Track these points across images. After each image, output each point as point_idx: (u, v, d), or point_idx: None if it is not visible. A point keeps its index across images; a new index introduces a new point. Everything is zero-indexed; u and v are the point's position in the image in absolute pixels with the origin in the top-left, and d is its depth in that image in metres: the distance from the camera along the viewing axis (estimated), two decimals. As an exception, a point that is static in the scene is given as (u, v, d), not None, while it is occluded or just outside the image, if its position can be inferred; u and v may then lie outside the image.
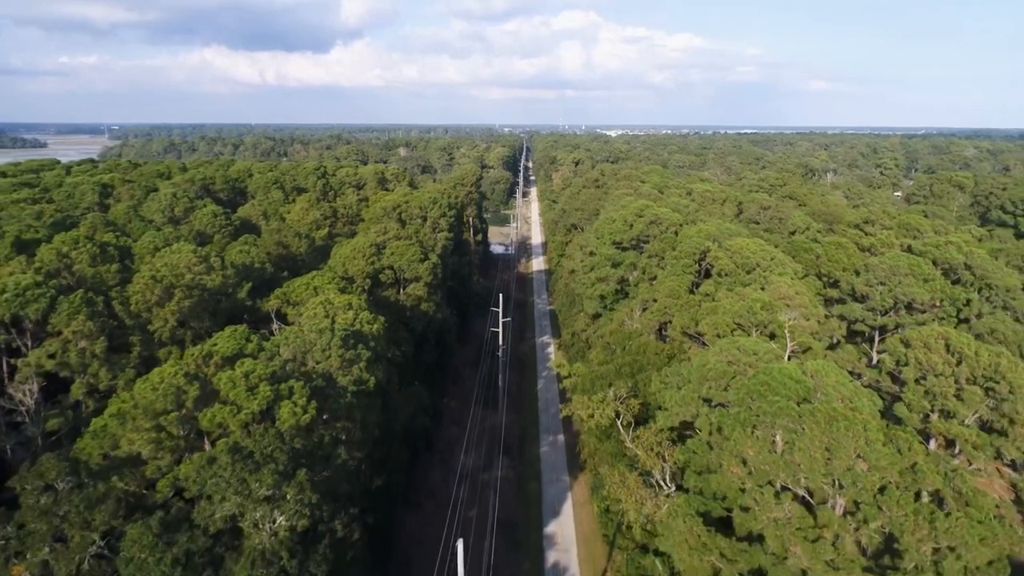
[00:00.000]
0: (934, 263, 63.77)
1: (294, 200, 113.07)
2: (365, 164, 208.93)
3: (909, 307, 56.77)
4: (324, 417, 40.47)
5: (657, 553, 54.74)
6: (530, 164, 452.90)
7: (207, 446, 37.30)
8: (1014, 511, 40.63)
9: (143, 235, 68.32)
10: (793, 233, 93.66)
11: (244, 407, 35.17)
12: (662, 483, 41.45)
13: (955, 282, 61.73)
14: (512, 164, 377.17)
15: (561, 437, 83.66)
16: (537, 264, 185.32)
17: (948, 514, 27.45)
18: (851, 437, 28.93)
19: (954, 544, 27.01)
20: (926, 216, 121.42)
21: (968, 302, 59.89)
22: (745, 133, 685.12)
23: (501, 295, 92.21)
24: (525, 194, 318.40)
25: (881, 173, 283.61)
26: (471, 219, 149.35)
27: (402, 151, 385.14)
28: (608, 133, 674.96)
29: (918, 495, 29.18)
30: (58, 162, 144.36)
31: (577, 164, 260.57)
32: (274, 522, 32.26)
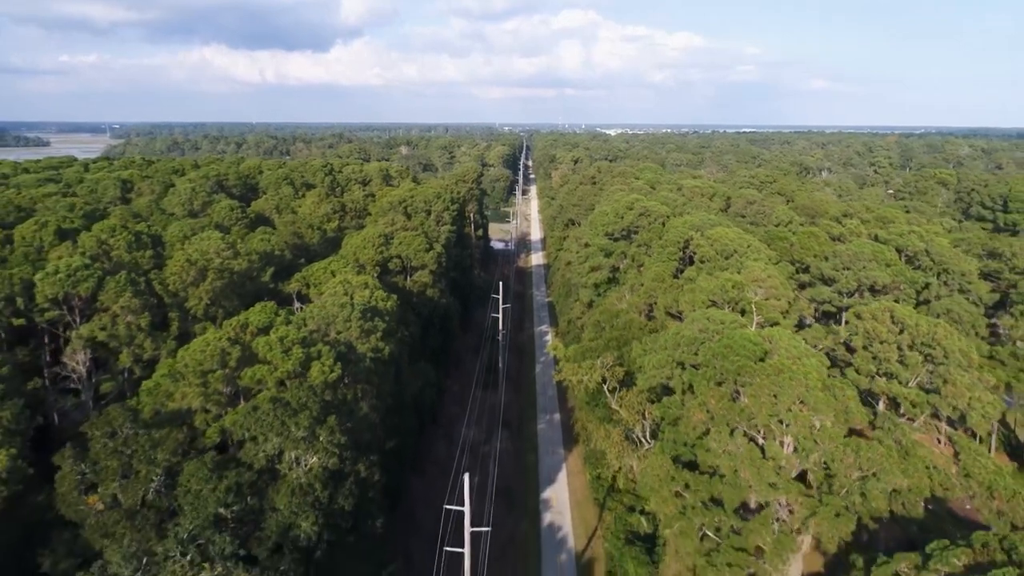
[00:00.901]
0: (898, 251, 69.50)
1: (304, 195, 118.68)
2: (367, 162, 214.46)
3: (872, 289, 62.45)
4: (346, 380, 46.16)
5: (643, 512, 60.61)
6: (530, 163, 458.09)
7: (242, 404, 42.96)
8: (951, 462, 46.25)
9: (171, 225, 74.01)
10: (777, 226, 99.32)
11: (280, 366, 40.89)
12: (642, 439, 47.11)
13: (916, 267, 67.45)
14: (512, 162, 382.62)
15: (557, 416, 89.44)
16: (536, 259, 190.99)
17: (871, 446, 33.14)
18: (794, 385, 34.64)
19: (875, 470, 32.70)
20: (907, 211, 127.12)
21: (927, 285, 65.61)
22: (744, 132, 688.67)
23: (501, 283, 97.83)
24: (525, 192, 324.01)
25: (875, 171, 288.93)
26: (472, 214, 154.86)
27: (404, 150, 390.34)
28: (608, 132, 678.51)
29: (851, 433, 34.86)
30: (75, 159, 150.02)
31: (576, 162, 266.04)
32: (308, 463, 37.99)
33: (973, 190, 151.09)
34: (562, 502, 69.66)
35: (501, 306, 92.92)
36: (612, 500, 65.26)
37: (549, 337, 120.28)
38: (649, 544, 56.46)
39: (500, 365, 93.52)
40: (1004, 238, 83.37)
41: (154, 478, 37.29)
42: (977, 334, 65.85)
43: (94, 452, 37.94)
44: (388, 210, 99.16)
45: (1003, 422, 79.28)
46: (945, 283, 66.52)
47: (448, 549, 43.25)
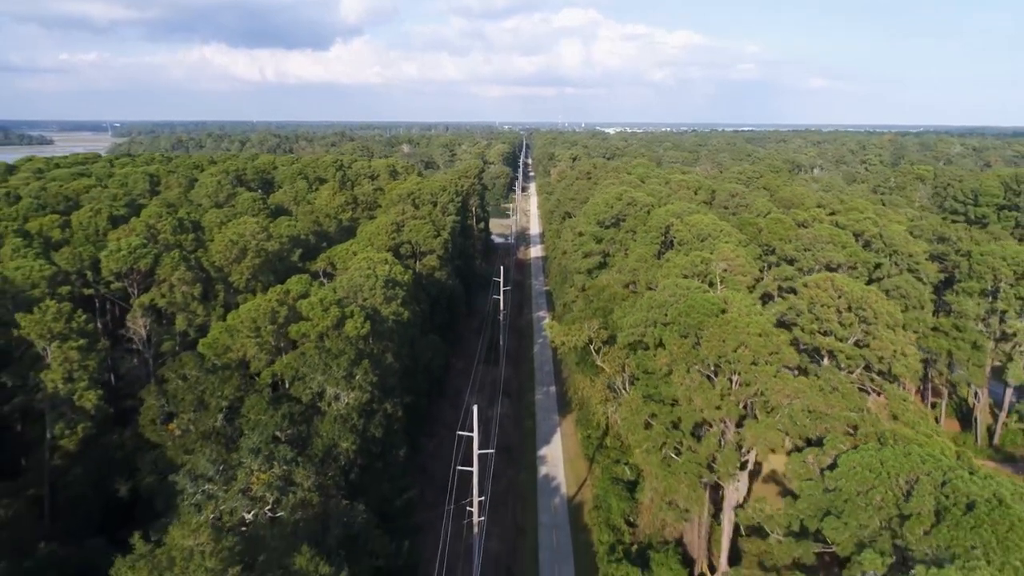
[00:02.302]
0: (855, 235, 78.08)
1: (317, 189, 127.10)
2: (371, 159, 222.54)
3: (828, 268, 70.85)
4: (370, 340, 54.67)
5: (626, 464, 69.20)
6: (529, 161, 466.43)
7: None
8: (883, 407, 54.71)
9: (206, 213, 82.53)
10: (758, 216, 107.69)
11: (320, 322, 49.44)
12: (622, 389, 55.69)
13: (870, 250, 76.02)
14: (512, 160, 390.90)
15: (553, 388, 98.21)
16: (535, 252, 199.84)
17: (797, 378, 41.72)
18: (737, 332, 43.21)
19: (799, 395, 41.28)
20: (883, 204, 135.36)
21: (878, 265, 74.18)
22: (743, 131, 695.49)
23: (502, 267, 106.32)
24: (524, 189, 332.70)
25: (866, 169, 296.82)
26: (474, 208, 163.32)
27: (405, 148, 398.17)
28: (607, 131, 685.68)
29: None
30: (100, 156, 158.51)
31: (574, 160, 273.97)
32: (346, 398, 46.52)
33: (949, 185, 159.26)
34: (556, 458, 78.38)
35: (502, 288, 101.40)
36: (600, 455, 74.00)
37: (546, 321, 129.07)
38: (630, 486, 65.21)
39: (501, 343, 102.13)
40: (953, 224, 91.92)
41: (221, 409, 45.84)
42: (923, 308, 74.36)
43: (172, 389, 46.51)
44: (397, 201, 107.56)
45: (956, 393, 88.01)
46: (895, 263, 75.02)
47: (461, 468, 51.88)
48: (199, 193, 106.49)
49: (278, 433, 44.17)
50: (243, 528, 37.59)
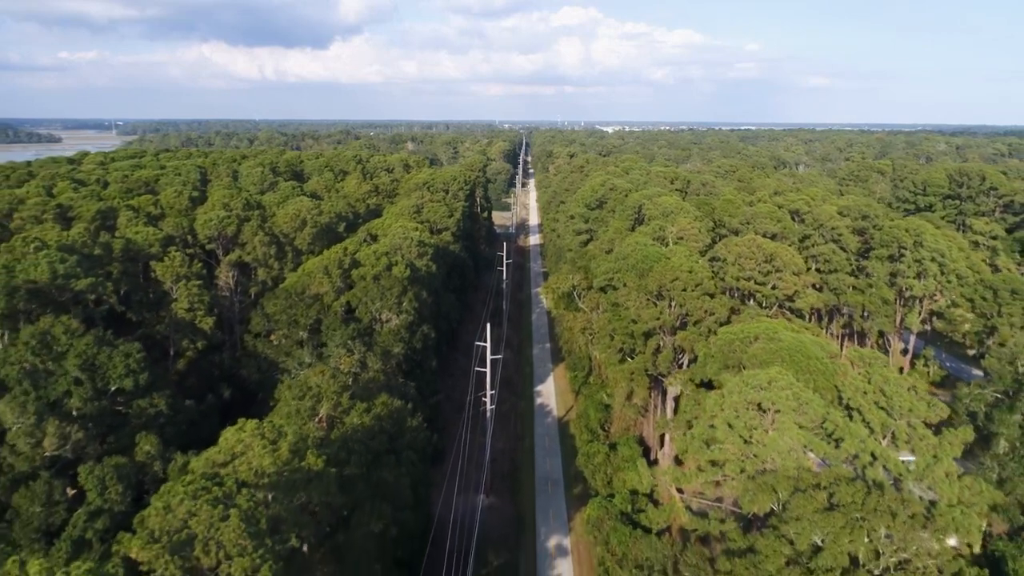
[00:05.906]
0: (792, 213, 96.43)
1: (343, 180, 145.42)
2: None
3: (766, 236, 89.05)
4: (410, 282, 72.94)
5: (605, 393, 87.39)
6: (529, 158, 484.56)
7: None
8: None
9: (264, 195, 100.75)
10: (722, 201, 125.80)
11: (374, 267, 67.75)
12: (596, 321, 73.98)
13: (802, 223, 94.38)
14: (512, 157, 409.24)
15: (548, 345, 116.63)
16: (534, 240, 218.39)
17: (711, 300, 60.11)
18: (673, 269, 61.55)
19: (713, 312, 59.62)
20: (842, 195, 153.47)
21: (807, 236, 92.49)
22: (740, 129, 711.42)
23: (505, 243, 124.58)
24: (524, 184, 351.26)
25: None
26: (479, 198, 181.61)
27: (410, 145, 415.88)
28: (606, 130, 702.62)
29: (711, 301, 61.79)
30: (145, 152, 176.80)
31: (572, 157, 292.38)
32: (396, 320, 64.81)
33: (905, 178, 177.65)
34: (549, 392, 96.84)
35: (504, 261, 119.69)
36: (584, 388, 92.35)
37: (541, 288, 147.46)
38: (606, 407, 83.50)
39: (504, 307, 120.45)
40: (875, 204, 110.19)
41: (307, 327, 64.11)
42: (844, 271, 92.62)
43: (270, 311, 64.80)
44: (415, 188, 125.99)
45: (881, 345, 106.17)
46: (822, 235, 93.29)
47: (477, 369, 70.30)
48: (246, 181, 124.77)
49: (349, 342, 62.45)
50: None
